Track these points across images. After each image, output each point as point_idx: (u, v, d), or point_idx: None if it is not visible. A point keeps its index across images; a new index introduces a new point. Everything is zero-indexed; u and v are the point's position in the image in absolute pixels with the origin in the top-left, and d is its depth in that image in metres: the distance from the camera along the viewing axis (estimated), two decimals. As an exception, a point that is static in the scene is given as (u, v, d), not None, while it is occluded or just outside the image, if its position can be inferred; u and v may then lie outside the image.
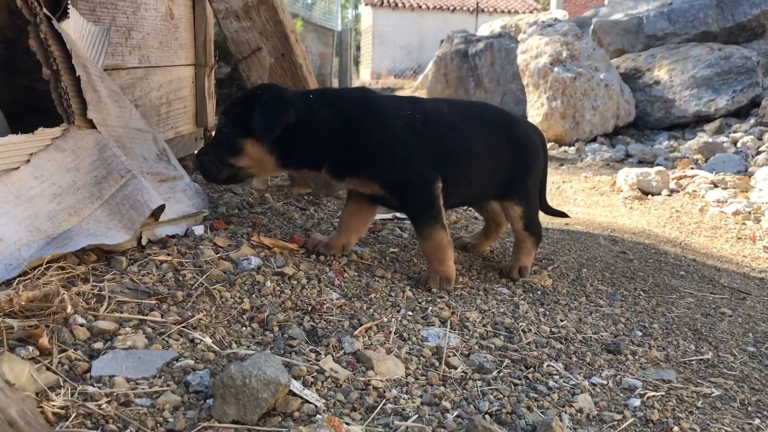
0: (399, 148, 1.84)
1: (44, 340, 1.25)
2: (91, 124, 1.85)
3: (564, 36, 6.68)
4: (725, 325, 1.83)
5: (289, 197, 2.74)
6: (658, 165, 5.11)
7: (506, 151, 1.97)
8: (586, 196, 3.89)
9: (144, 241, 1.83)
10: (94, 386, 1.16)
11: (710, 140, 5.51)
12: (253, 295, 1.62)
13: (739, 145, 5.61)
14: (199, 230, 1.99)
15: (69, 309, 1.35)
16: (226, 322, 1.48)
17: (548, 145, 6.27)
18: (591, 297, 1.94)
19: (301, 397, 1.20)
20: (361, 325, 1.53)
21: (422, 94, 10.57)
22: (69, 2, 1.97)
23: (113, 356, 1.26)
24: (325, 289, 1.71)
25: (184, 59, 3.41)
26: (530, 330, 1.62)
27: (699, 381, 1.46)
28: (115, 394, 1.14)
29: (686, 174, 4.25)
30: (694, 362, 1.56)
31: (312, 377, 1.29)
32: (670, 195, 3.83)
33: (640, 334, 1.69)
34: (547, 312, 1.76)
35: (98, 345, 1.29)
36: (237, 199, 2.50)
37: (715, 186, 3.92)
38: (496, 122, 2.03)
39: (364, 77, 18.67)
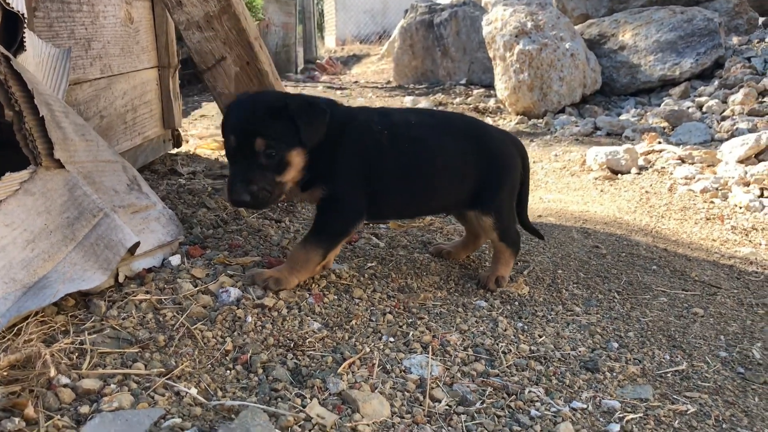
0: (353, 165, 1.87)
1: (29, 410, 1.25)
2: (59, 164, 1.81)
3: (528, 6, 6.65)
4: (697, 327, 1.88)
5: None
6: (626, 137, 5.17)
7: (475, 161, 1.98)
8: (557, 177, 3.92)
9: (121, 279, 1.82)
10: (84, 458, 1.17)
11: (676, 107, 5.58)
12: (235, 333, 1.63)
13: (704, 109, 5.69)
14: (175, 260, 1.98)
15: (52, 371, 1.35)
16: (209, 366, 1.49)
17: (517, 119, 6.30)
18: (567, 304, 1.97)
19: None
20: (345, 360, 1.55)
21: (388, 63, 10.49)
22: (24, 33, 1.92)
23: (101, 421, 1.27)
24: (306, 319, 1.73)
25: (147, 62, 3.35)
26: (510, 351, 1.66)
27: (675, 397, 1.51)
28: (105, 465, 1.15)
29: (654, 149, 4.30)
30: (669, 374, 1.61)
31: (299, 426, 1.31)
32: (639, 173, 3.88)
33: (616, 345, 1.74)
34: (526, 327, 1.80)
35: (84, 409, 1.29)
36: (211, 215, 2.49)
37: (683, 161, 3.98)
38: (465, 133, 2.03)
39: (329, 44, 18.43)
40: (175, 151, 3.98)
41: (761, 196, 3.47)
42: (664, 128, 5.31)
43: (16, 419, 1.23)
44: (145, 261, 1.93)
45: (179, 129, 3.90)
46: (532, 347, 1.69)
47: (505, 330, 1.77)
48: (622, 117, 5.78)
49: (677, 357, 1.70)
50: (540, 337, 1.75)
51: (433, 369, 1.56)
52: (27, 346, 1.42)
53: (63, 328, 1.54)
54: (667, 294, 2.11)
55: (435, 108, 6.55)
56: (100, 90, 2.78)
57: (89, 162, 1.96)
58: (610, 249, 2.53)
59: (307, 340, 1.62)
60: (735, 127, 5.05)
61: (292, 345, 1.60)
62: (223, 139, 1.87)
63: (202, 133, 5.05)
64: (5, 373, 1.33)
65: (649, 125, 5.32)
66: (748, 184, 3.60)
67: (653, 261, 2.43)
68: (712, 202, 3.35)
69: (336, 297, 1.88)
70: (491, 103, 6.80)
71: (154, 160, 3.66)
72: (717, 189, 3.53)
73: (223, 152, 4.08)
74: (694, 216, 3.12)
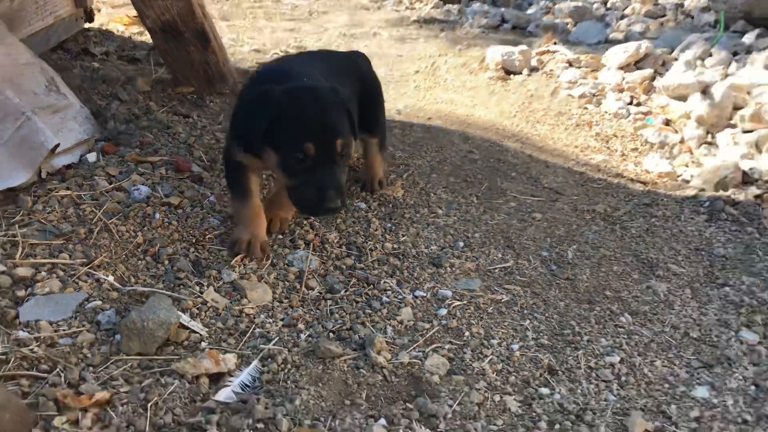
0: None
1: (-22, 293, 1.56)
2: (-23, 70, 2.00)
3: None
4: (532, 230, 2.32)
5: (173, 100, 2.95)
6: (529, 32, 5.47)
7: (359, 96, 2.22)
8: (456, 75, 4.23)
9: (43, 175, 2.08)
10: (23, 331, 1.50)
11: (580, 3, 5.87)
12: (145, 228, 1.94)
13: (609, 5, 6.00)
14: (92, 157, 2.24)
15: (-7, 262, 1.65)
16: (124, 256, 1.82)
17: (433, 2, 6.47)
18: (432, 207, 2.37)
19: (189, 328, 1.59)
20: (237, 254, 1.90)
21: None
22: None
23: (35, 302, 1.59)
24: (206, 217, 2.05)
25: (56, -59, 3.36)
26: (376, 248, 2.05)
27: (495, 288, 1.95)
28: (42, 337, 1.49)
29: (549, 49, 4.64)
30: (497, 270, 2.05)
31: (197, 309, 1.67)
32: (529, 74, 4.23)
33: (461, 244, 2.16)
34: (393, 227, 2.19)
35: (21, 293, 1.61)
36: (124, 108, 2.70)
37: (570, 65, 4.35)
38: (354, 75, 2.28)
39: None
40: (87, 26, 4.03)
41: (630, 103, 3.90)
42: (567, 24, 5.62)
43: (-35, 302, 1.54)
44: (65, 158, 2.18)
45: (91, 6, 3.95)
46: (395, 245, 2.08)
47: (376, 230, 2.15)
48: (530, 11, 6.04)
49: (507, 256, 2.13)
50: (403, 236, 2.14)
51: (312, 263, 1.94)
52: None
53: (-4, 222, 1.81)
54: (517, 199, 2.54)
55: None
56: (10, -27, 2.84)
57: (9, 66, 2.15)
58: (483, 155, 2.92)
59: (207, 236, 1.96)
60: (629, 28, 5.41)
61: (194, 240, 1.94)
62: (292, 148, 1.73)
63: (115, 1, 5.02)
64: (-49, 263, 1.62)
65: (552, 22, 5.61)
66: (622, 91, 4.01)
67: (515, 167, 2.84)
68: (585, 108, 3.75)
69: (235, 196, 2.20)
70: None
71: (67, 39, 3.73)
72: (594, 95, 3.94)
73: (135, 29, 4.17)
74: (567, 122, 3.53)
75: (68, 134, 2.22)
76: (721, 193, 2.73)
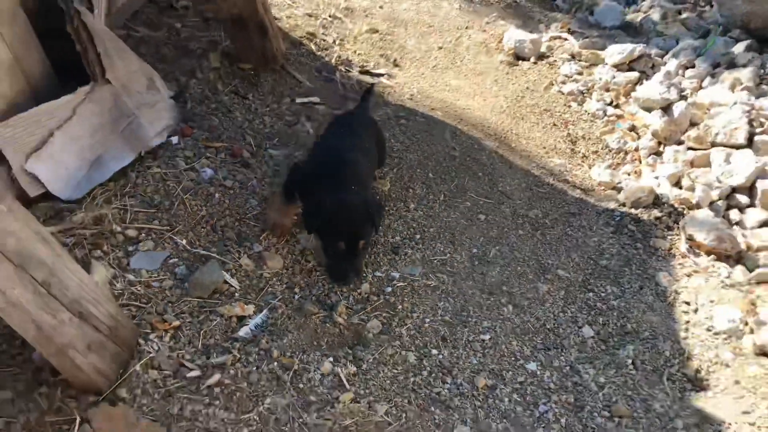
0: None
1: (106, 248, 2.62)
2: (108, 81, 2.98)
3: None
4: (473, 230, 3.27)
5: (236, 77, 3.86)
6: (556, 5, 6.08)
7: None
8: (474, 54, 5.00)
9: (142, 153, 3.08)
10: (132, 275, 2.56)
11: (611, -21, 6.40)
12: (208, 204, 2.95)
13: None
14: (175, 140, 3.23)
15: (114, 226, 2.70)
16: (192, 225, 2.85)
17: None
18: (407, 201, 3.32)
19: (228, 283, 2.64)
20: (264, 231, 2.91)
21: None
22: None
23: (139, 256, 2.64)
24: (250, 198, 3.05)
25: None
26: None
27: (430, 275, 2.94)
28: (142, 281, 2.56)
29: (561, 36, 5.34)
30: (436, 261, 3.03)
31: (235, 269, 2.71)
32: (535, 63, 4.98)
33: (418, 237, 3.13)
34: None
35: (131, 248, 2.66)
36: (198, 88, 3.62)
37: (573, 58, 5.07)
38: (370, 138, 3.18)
39: None
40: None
41: (610, 104, 4.66)
42: (592, 4, 6.19)
43: (98, 251, 2.60)
44: (157, 140, 3.17)
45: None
46: (371, 233, 3.06)
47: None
48: (566, -21, 6.58)
49: (447, 249, 3.11)
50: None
51: (311, 243, 2.94)
52: (97, 207, 2.75)
53: (114, 193, 2.84)
54: (473, 199, 3.47)
55: None
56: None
57: (124, 74, 3.10)
58: (462, 152, 3.81)
59: (247, 215, 2.97)
60: (648, 13, 5.98)
61: (238, 217, 2.96)
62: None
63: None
64: (88, 227, 2.67)
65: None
66: (608, 90, 4.76)
67: (484, 168, 3.73)
68: (569, 105, 4.54)
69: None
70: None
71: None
72: (582, 93, 4.71)
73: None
74: (548, 120, 4.35)
75: (161, 121, 3.20)
76: (631, 210, 3.61)
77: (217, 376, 2.22)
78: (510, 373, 2.58)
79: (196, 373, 2.22)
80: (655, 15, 5.98)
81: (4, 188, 2.35)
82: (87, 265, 2.42)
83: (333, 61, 4.42)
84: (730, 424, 2.48)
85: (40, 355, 2.09)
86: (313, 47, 4.50)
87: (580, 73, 4.91)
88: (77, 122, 2.84)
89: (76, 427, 1.96)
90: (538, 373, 2.60)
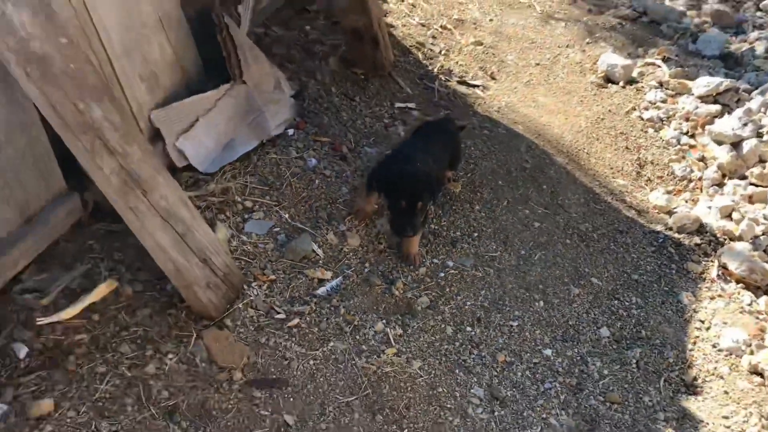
0: None
1: (228, 213, 3.42)
2: (243, 81, 3.77)
3: None
4: (526, 234, 3.83)
5: (348, 80, 4.57)
6: (661, 30, 6.37)
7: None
8: (567, 74, 5.47)
9: (264, 141, 3.86)
10: (246, 236, 3.34)
11: (721, 6, 6.61)
12: (309, 187, 3.69)
13: (742, 11, 6.62)
14: (291, 132, 3.99)
15: (236, 197, 3.49)
16: (294, 203, 3.60)
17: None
18: (473, 203, 3.92)
19: (316, 252, 3.38)
20: (350, 214, 3.62)
21: None
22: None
23: (252, 223, 3.42)
24: (342, 186, 3.77)
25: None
26: (430, 229, 3.67)
27: (479, 267, 3.55)
28: (252, 242, 3.33)
29: (655, 62, 5.69)
30: (486, 256, 3.63)
31: (322, 242, 3.44)
32: (624, 87, 5.38)
33: (476, 235, 3.74)
34: (442, 213, 3.80)
35: (246, 216, 3.44)
36: (315, 89, 4.37)
37: (661, 86, 5.43)
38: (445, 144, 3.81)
39: None
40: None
41: (686, 133, 5.02)
42: (704, 24, 6.38)
43: (222, 215, 3.39)
44: (277, 131, 3.94)
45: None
46: (436, 227, 3.70)
47: (432, 216, 3.77)
48: (679, 4, 6.81)
49: (499, 249, 3.70)
50: (444, 222, 3.75)
51: (386, 227, 3.62)
52: (225, 181, 3.55)
53: (238, 170, 3.64)
54: (532, 208, 4.02)
55: None
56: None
57: (257, 76, 3.89)
58: (533, 165, 4.35)
59: (338, 200, 3.69)
60: (753, 45, 6.15)
61: (331, 200, 3.68)
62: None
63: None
64: (216, 195, 3.47)
65: (686, 25, 6.41)
66: (688, 120, 5.11)
67: (550, 181, 4.26)
68: (645, 131, 4.95)
69: (361, 173, 3.89)
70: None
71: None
72: (661, 120, 5.09)
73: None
74: (621, 143, 4.79)
75: (281, 116, 3.97)
76: (675, 234, 4.04)
77: (296, 320, 2.96)
78: (527, 354, 3.17)
79: (281, 316, 2.97)
80: (760, 47, 6.14)
81: (161, 162, 3.18)
82: (213, 225, 3.21)
83: (435, 70, 5.05)
84: (707, 423, 2.96)
85: (172, 287, 2.89)
86: (420, 56, 5.15)
87: (664, 101, 5.27)
88: (217, 112, 3.65)
89: (192, 340, 2.75)
90: (552, 358, 3.17)
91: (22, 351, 2.59)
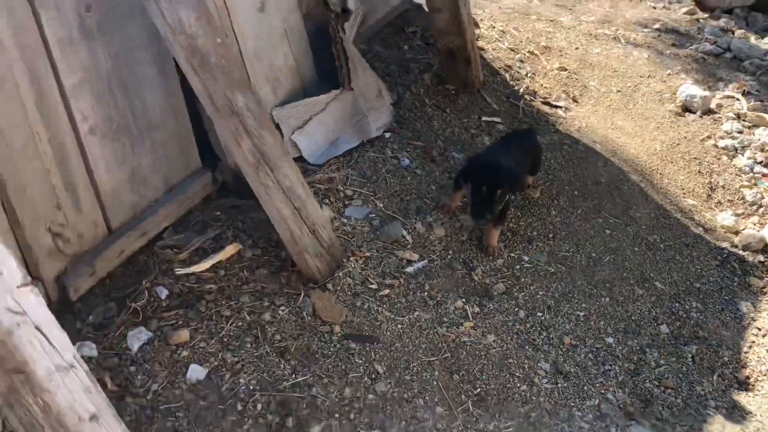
0: None
1: (332, 199, 3.92)
2: (351, 88, 4.30)
3: None
4: (597, 240, 4.18)
5: (439, 94, 5.05)
6: (743, 67, 6.60)
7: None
8: (646, 101, 5.78)
9: (364, 141, 4.36)
10: (344, 219, 3.83)
11: (808, 48, 6.77)
12: (401, 183, 4.16)
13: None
14: (387, 135, 4.48)
15: (339, 186, 4.00)
16: (388, 195, 4.07)
17: (688, 8, 7.66)
18: (549, 209, 4.30)
19: (405, 238, 3.83)
20: (436, 208, 4.06)
21: None
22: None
23: (351, 208, 3.91)
24: (431, 184, 4.22)
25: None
26: (509, 227, 4.08)
27: (552, 263, 3.92)
28: (350, 224, 3.82)
29: (734, 95, 5.94)
30: (560, 255, 4.00)
31: (410, 230, 3.89)
32: (701, 116, 5.65)
33: (551, 236, 4.11)
34: (520, 214, 4.20)
35: (347, 202, 3.94)
36: (411, 99, 4.86)
37: (738, 117, 5.67)
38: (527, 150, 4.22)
39: None
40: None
41: (759, 163, 5.25)
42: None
43: (327, 200, 3.90)
44: (376, 133, 4.44)
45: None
46: (513, 225, 4.10)
47: (512, 216, 4.17)
48: (764, 42, 7.01)
49: (571, 249, 4.06)
50: (521, 222, 4.14)
51: (470, 221, 4.04)
52: (330, 172, 4.06)
53: (341, 164, 4.14)
54: (605, 218, 4.36)
55: None
56: None
57: (363, 84, 4.41)
58: (608, 180, 4.69)
59: (429, 194, 4.14)
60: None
61: (420, 195, 4.14)
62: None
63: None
64: (323, 183, 3.98)
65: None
66: (763, 151, 5.35)
67: (623, 195, 4.59)
68: (719, 158, 5.22)
69: (448, 174, 4.34)
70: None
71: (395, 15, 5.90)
72: (736, 149, 5.34)
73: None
74: (695, 167, 5.07)
75: (380, 120, 4.47)
76: (740, 251, 4.30)
77: (387, 291, 3.41)
78: (591, 340, 3.51)
79: (374, 286, 3.43)
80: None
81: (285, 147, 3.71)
82: (320, 206, 3.72)
83: (521, 90, 5.48)
84: (756, 415, 3.22)
85: (286, 253, 3.40)
86: (507, 77, 5.58)
87: (740, 132, 5.51)
88: (327, 113, 4.19)
89: (301, 298, 3.24)
90: (613, 345, 3.50)
91: (164, 293, 3.13)
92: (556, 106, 5.49)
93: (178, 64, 3.19)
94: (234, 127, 3.09)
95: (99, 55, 3.00)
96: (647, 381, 3.33)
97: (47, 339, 2.16)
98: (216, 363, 2.89)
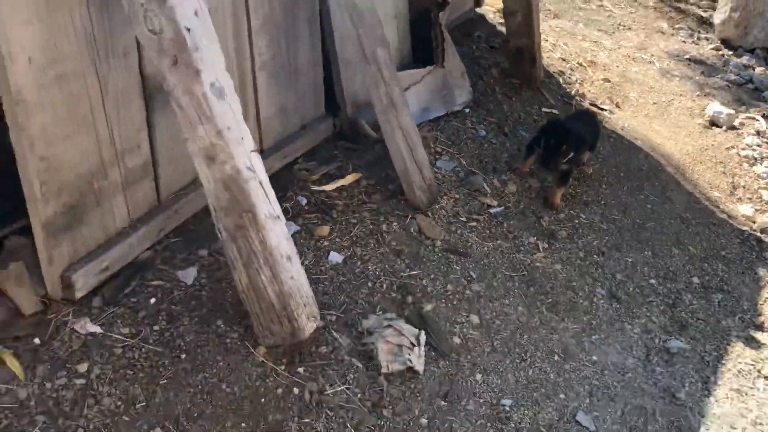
0: None
1: (426, 152, 4.70)
2: (443, 66, 5.12)
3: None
4: (640, 210, 4.94)
5: (505, 86, 5.87)
6: (763, 96, 7.45)
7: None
8: (678, 115, 6.61)
9: (448, 112, 5.16)
10: (436, 170, 4.60)
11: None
12: (479, 149, 4.94)
13: None
14: (467, 110, 5.29)
15: (431, 143, 4.78)
16: (470, 156, 4.85)
17: (715, 45, 8.55)
18: (600, 182, 5.09)
19: (485, 188, 4.61)
20: (510, 170, 4.85)
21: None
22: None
23: (441, 162, 4.69)
24: (504, 152, 5.01)
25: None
26: (569, 192, 4.86)
27: (603, 222, 4.70)
28: (441, 173, 4.59)
29: (755, 117, 6.78)
30: (610, 217, 4.77)
31: (489, 183, 4.67)
32: (726, 131, 6.48)
33: (603, 203, 4.89)
34: (579, 185, 4.98)
35: (437, 157, 4.72)
36: (483, 86, 5.67)
37: (758, 134, 6.50)
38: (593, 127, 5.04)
39: None
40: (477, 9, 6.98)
41: (777, 171, 6.05)
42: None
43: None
44: (458, 107, 5.25)
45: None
46: (571, 191, 4.89)
47: (573, 183, 4.95)
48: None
49: (618, 214, 4.83)
50: (569, 196, 4.92)
51: (533, 194, 4.83)
52: (422, 132, 4.84)
53: (431, 128, 4.93)
54: (646, 195, 5.14)
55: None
56: None
57: (451, 65, 5.22)
58: (648, 168, 5.49)
59: (501, 160, 4.93)
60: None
61: (495, 158, 4.92)
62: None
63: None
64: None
65: (785, 94, 7.49)
66: (782, 162, 6.15)
67: (660, 180, 5.37)
68: (741, 165, 6.03)
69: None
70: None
71: (463, 20, 6.74)
72: (756, 159, 6.16)
73: (499, 17, 7.08)
74: (719, 168, 5.87)
75: (462, 97, 5.28)
76: (758, 234, 5.08)
77: (474, 223, 4.19)
78: (637, 280, 4.26)
79: (463, 219, 4.20)
80: None
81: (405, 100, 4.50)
82: (419, 154, 4.51)
83: (572, 92, 6.30)
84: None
85: (395, 186, 4.17)
86: (560, 81, 6.42)
87: (760, 145, 6.34)
88: (422, 85, 5.00)
89: (408, 218, 4.01)
90: (655, 285, 4.26)
91: (303, 201, 3.90)
92: (602, 109, 6.30)
93: (323, 26, 4.01)
94: (374, 74, 3.89)
95: (275, 5, 3.81)
96: (683, 312, 4.08)
97: (266, 193, 2.94)
98: (349, 253, 3.64)
